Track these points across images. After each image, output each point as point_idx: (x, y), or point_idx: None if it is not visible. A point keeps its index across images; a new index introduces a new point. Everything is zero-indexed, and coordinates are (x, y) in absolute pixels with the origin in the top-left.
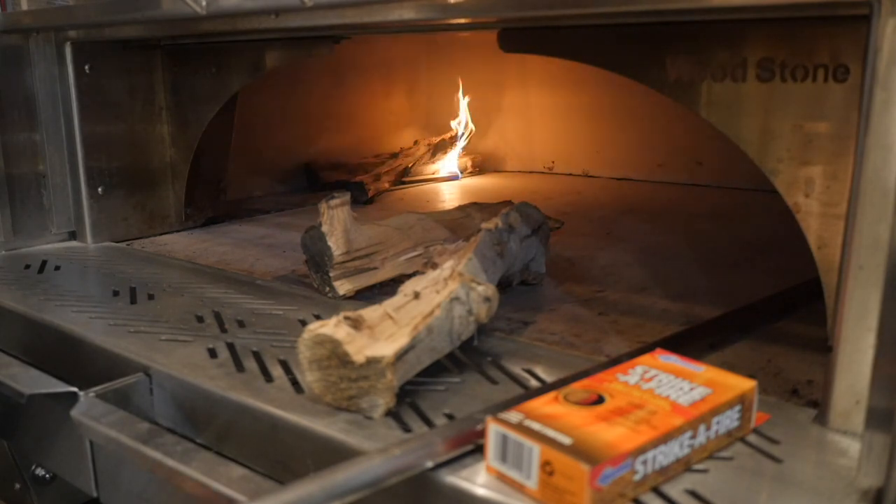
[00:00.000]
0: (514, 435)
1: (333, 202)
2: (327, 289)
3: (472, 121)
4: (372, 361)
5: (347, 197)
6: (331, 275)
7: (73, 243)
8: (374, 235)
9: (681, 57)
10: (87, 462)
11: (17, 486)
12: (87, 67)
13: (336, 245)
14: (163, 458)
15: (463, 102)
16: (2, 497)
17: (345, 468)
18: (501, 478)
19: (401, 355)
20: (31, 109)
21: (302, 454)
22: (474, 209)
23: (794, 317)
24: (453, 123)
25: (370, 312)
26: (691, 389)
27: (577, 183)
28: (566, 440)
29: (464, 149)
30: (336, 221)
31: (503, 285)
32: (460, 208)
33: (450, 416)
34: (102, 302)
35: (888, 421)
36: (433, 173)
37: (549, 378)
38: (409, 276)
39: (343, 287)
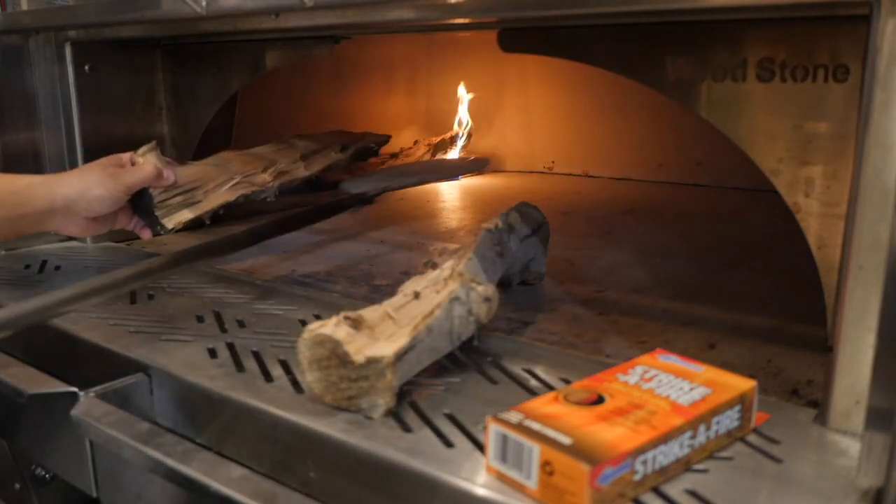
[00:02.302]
0: (514, 435)
1: (141, 150)
2: (159, 227)
3: (472, 121)
4: (372, 361)
5: (154, 143)
6: (157, 214)
7: (73, 243)
8: (192, 174)
9: (681, 57)
10: (87, 462)
11: (17, 486)
12: (87, 67)
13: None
14: (163, 458)
15: (463, 107)
16: (2, 497)
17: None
18: (501, 478)
19: (401, 355)
20: (32, 109)
21: (302, 454)
22: (296, 139)
23: (793, 317)
24: (461, 113)
25: (370, 312)
26: (691, 389)
27: (577, 183)
28: (566, 440)
29: (464, 148)
30: (148, 167)
31: (503, 285)
32: (280, 139)
33: (450, 416)
34: (102, 302)
35: (888, 421)
36: None
37: (549, 378)
38: (234, 204)
39: (171, 222)
